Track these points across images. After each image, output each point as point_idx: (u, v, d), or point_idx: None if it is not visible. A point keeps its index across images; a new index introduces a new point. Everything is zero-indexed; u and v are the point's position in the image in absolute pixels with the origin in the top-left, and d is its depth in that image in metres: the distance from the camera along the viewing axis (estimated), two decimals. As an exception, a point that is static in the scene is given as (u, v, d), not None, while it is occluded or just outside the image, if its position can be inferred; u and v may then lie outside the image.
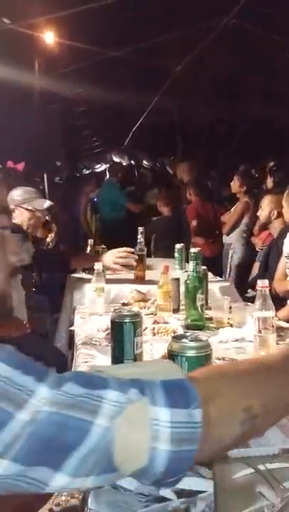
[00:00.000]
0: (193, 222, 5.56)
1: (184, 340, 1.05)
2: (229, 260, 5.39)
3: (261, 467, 1.02)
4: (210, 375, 0.82)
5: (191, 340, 1.04)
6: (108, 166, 9.63)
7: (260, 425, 0.81)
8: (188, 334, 1.08)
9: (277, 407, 0.83)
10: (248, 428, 0.78)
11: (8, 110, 5.41)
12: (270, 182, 5.65)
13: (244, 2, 5.35)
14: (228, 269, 5.38)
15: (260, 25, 6.29)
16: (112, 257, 3.08)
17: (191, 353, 1.02)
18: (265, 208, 3.70)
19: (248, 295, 3.57)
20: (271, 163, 6.14)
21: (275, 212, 3.58)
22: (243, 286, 4.10)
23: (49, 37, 6.21)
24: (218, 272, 5.04)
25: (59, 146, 5.70)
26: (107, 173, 8.05)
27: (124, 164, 9.48)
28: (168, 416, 0.70)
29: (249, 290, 3.85)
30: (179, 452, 0.70)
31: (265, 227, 4.20)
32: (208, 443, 0.75)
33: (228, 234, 5.46)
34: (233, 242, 5.40)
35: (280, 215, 3.54)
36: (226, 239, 5.52)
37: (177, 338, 1.06)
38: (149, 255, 5.79)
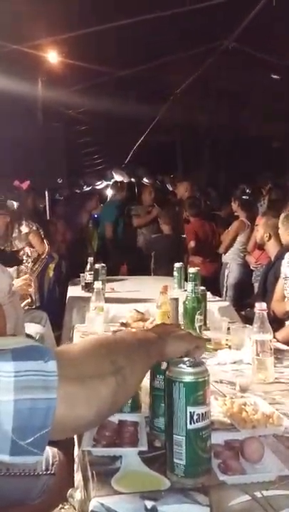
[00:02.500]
0: (192, 244, 5.57)
1: (182, 365, 1.05)
2: (225, 279, 5.41)
3: (258, 494, 1.02)
4: (73, 345, 0.97)
5: (189, 366, 1.05)
6: (111, 183, 9.68)
7: (129, 376, 0.92)
8: (185, 359, 1.09)
9: (139, 357, 0.99)
10: (120, 380, 0.89)
11: (13, 127, 5.48)
12: (266, 202, 5.71)
13: (243, 27, 5.47)
14: (225, 288, 5.40)
15: (258, 49, 6.41)
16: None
17: (188, 379, 1.02)
18: (261, 229, 3.75)
19: (243, 313, 3.58)
20: (269, 184, 6.20)
21: (268, 235, 3.63)
22: (240, 305, 4.11)
23: (53, 57, 6.32)
24: (217, 291, 5.06)
25: (61, 164, 5.75)
26: (111, 190, 8.09)
27: (125, 182, 9.55)
28: (11, 367, 0.74)
29: (248, 309, 3.85)
30: (30, 401, 0.74)
31: (260, 247, 4.25)
32: (82, 396, 0.83)
33: (224, 253, 5.49)
34: (229, 261, 5.43)
35: (271, 237, 3.59)
36: (223, 258, 5.55)
37: (174, 363, 1.07)
38: (149, 273, 5.85)
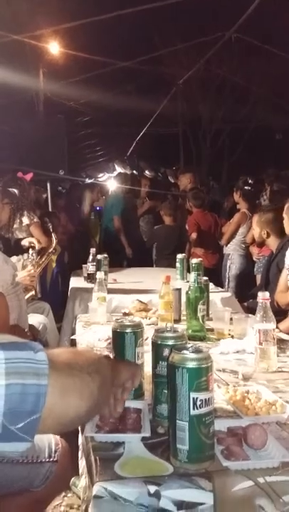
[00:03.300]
0: (193, 235, 5.56)
1: (185, 351, 1.05)
2: (227, 270, 5.40)
3: (261, 480, 1.02)
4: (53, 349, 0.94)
5: (192, 352, 1.05)
6: (115, 175, 9.66)
7: (106, 381, 0.97)
8: (188, 345, 1.09)
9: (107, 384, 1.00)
10: (99, 381, 0.91)
11: (15, 119, 5.46)
12: (268, 194, 5.68)
13: (245, 18, 5.43)
14: (227, 280, 5.39)
15: (260, 39, 6.37)
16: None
17: (192, 365, 1.02)
18: (256, 227, 3.70)
19: (246, 304, 3.57)
20: (271, 175, 6.18)
21: (265, 232, 3.57)
22: (242, 296, 4.10)
23: (55, 48, 6.28)
24: (219, 282, 5.06)
25: (63, 156, 5.74)
26: (115, 182, 8.08)
27: (127, 174, 9.52)
28: (1, 355, 0.77)
29: (250, 300, 3.85)
30: (21, 386, 0.75)
31: (259, 245, 4.23)
32: (74, 386, 0.85)
33: (226, 244, 5.48)
34: (231, 253, 5.42)
35: (269, 234, 3.56)
36: (225, 249, 5.54)
37: (178, 349, 1.07)
38: (151, 264, 5.85)
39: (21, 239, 4.08)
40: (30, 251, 3.34)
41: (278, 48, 6.92)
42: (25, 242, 3.86)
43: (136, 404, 1.29)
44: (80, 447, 1.48)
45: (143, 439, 1.17)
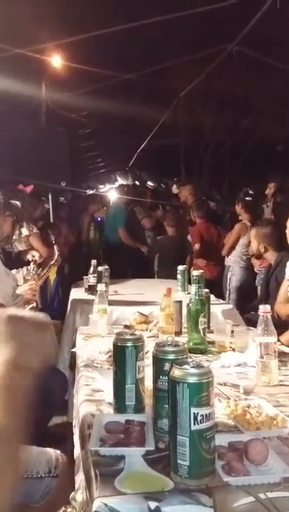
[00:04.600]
0: (196, 246, 5.57)
1: (186, 366, 1.05)
2: (228, 282, 5.40)
3: (262, 496, 1.01)
4: None
5: (193, 367, 1.05)
6: (116, 187, 9.71)
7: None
8: (189, 360, 1.09)
9: None
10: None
11: (17, 130, 5.50)
12: (271, 205, 5.69)
13: (246, 32, 5.49)
14: (228, 292, 5.39)
15: (261, 52, 6.43)
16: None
17: (192, 380, 1.02)
18: (254, 240, 3.71)
19: (247, 316, 3.57)
20: (273, 187, 6.19)
21: (262, 247, 3.57)
22: (243, 308, 4.10)
23: (57, 61, 6.34)
24: (220, 294, 5.05)
25: (65, 167, 5.77)
26: (116, 193, 8.11)
27: (130, 185, 9.57)
28: None
29: (251, 312, 3.84)
30: None
31: (258, 257, 4.24)
32: None
33: (227, 255, 5.48)
34: (232, 265, 5.42)
35: (266, 249, 3.56)
36: (226, 261, 5.54)
37: (179, 364, 1.07)
38: (152, 275, 5.85)
39: (22, 251, 4.09)
40: (32, 265, 3.35)
41: (280, 60, 6.99)
42: (28, 256, 3.86)
43: (139, 418, 1.29)
44: (76, 462, 1.47)
45: (144, 454, 1.16)
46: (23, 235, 4.39)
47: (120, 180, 11.86)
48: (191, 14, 5.36)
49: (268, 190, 6.20)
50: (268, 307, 1.75)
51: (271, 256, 3.56)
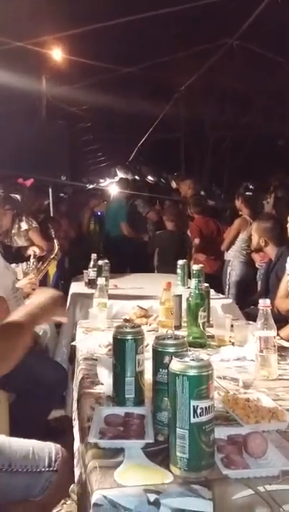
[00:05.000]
0: (196, 241, 5.56)
1: (186, 359, 1.05)
2: (228, 277, 5.39)
3: (261, 489, 1.01)
4: None
5: (193, 360, 1.05)
6: (117, 181, 9.69)
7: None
8: (189, 353, 1.09)
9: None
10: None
11: (17, 124, 5.49)
12: (272, 200, 5.68)
13: (246, 26, 5.46)
14: (228, 286, 5.39)
15: (262, 46, 6.40)
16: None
17: (192, 373, 1.02)
18: (254, 234, 3.70)
19: (247, 310, 3.57)
20: (273, 182, 6.19)
21: (263, 241, 3.57)
22: (242, 303, 4.10)
23: (58, 54, 6.31)
24: (220, 288, 5.05)
25: (65, 161, 5.76)
26: (117, 187, 8.10)
27: (130, 179, 9.55)
28: None
29: (251, 307, 3.84)
30: None
31: (257, 252, 4.23)
32: None
33: (226, 250, 5.48)
34: (231, 259, 5.41)
35: (267, 243, 3.56)
36: (225, 255, 5.54)
37: (178, 357, 1.07)
38: (152, 270, 5.85)
39: (22, 247, 4.08)
40: (32, 259, 3.34)
41: (281, 55, 6.96)
42: (29, 252, 3.86)
43: (139, 411, 1.29)
44: (76, 454, 1.47)
45: (143, 446, 1.16)
46: (22, 229, 4.39)
47: (120, 175, 11.83)
48: (191, 8, 5.32)
49: (269, 186, 6.19)
50: (267, 301, 1.75)
51: (271, 250, 3.56)
